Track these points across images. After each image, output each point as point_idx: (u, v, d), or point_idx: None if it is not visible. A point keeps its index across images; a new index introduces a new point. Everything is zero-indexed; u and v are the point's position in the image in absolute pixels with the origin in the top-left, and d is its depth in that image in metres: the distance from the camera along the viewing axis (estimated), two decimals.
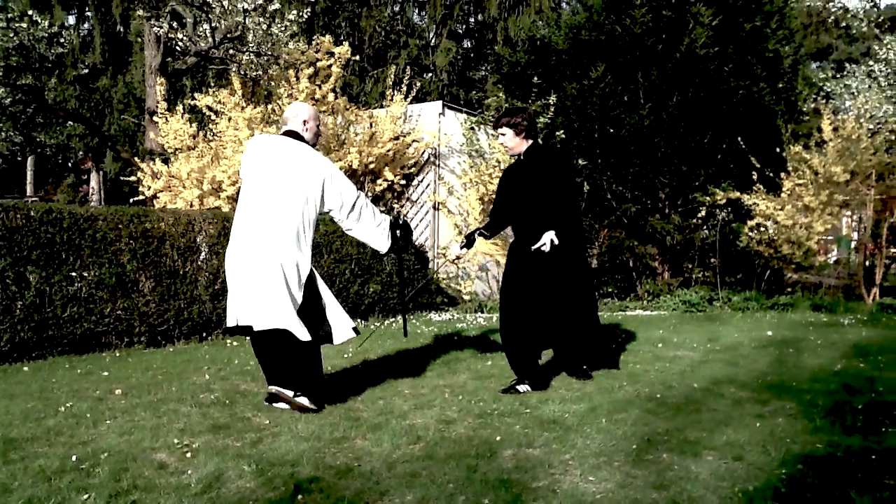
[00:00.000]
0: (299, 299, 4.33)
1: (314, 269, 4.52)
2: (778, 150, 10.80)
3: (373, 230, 4.64)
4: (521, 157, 5.13)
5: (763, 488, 2.97)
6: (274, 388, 4.38)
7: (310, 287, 4.46)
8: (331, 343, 4.69)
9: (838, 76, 14.24)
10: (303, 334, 4.24)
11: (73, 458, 3.36)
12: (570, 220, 4.95)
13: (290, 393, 4.32)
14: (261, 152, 4.47)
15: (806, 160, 10.49)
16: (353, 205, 4.53)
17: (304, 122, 4.54)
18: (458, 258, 5.33)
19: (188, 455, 3.47)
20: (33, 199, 29.78)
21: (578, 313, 5.15)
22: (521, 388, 4.86)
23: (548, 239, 4.75)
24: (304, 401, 4.29)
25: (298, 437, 3.73)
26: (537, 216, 4.95)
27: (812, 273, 11.45)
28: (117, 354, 6.80)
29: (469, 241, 5.33)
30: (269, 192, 4.33)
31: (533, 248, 4.81)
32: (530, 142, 5.09)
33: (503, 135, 5.08)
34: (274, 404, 4.40)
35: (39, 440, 3.77)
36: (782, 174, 10.73)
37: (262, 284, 4.23)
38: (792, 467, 3.22)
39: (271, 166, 4.38)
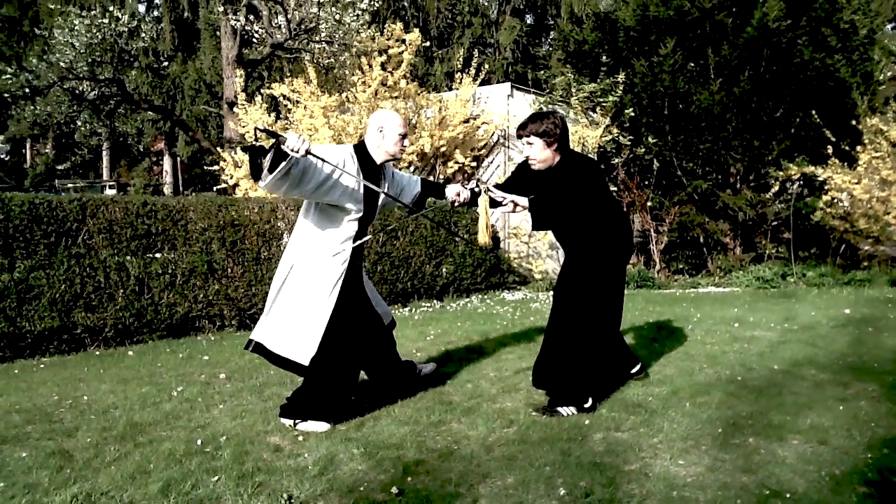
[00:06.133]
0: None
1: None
2: (854, 122, 10.62)
3: None
4: (551, 169, 4.27)
5: (850, 473, 3.09)
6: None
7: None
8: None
9: None
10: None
11: (198, 441, 3.67)
12: (597, 239, 4.27)
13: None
14: None
15: (883, 132, 10.29)
16: None
17: (380, 129, 4.07)
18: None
19: (300, 438, 3.75)
20: (110, 183, 30.90)
21: (565, 338, 4.29)
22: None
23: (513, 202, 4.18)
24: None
25: (398, 421, 3.98)
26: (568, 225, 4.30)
27: (889, 245, 11.24)
28: (212, 338, 7.19)
29: (473, 196, 4.33)
30: None
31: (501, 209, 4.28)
32: (561, 155, 4.22)
33: (530, 144, 4.18)
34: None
35: (161, 424, 4.10)
36: (858, 147, 10.55)
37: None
38: (878, 451, 3.33)
39: None
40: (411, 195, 4.44)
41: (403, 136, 4.09)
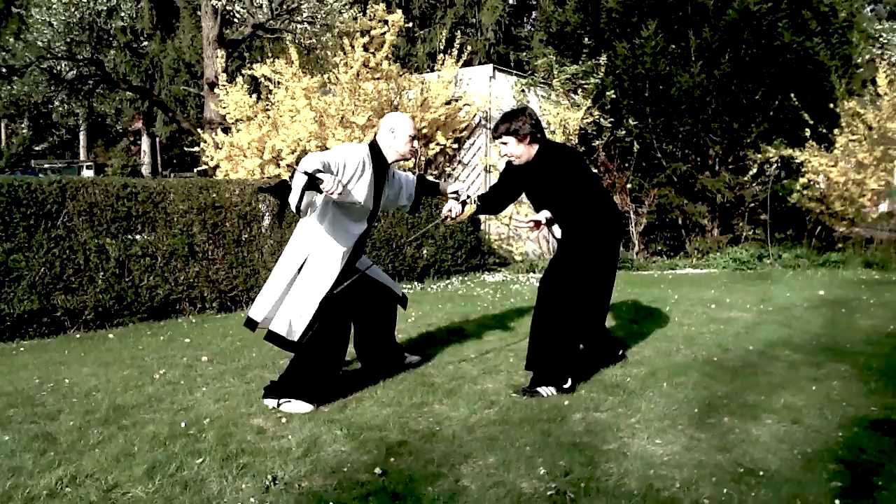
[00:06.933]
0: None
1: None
2: (831, 105, 10.73)
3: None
4: (531, 162, 4.45)
5: (822, 451, 3.18)
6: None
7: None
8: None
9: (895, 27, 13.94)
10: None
11: (182, 424, 3.70)
12: (586, 223, 4.40)
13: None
14: None
15: (860, 115, 10.41)
16: None
17: (392, 130, 4.24)
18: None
19: (283, 420, 3.79)
20: (87, 163, 30.60)
21: (551, 315, 4.36)
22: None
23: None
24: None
25: (381, 403, 4.03)
26: (557, 214, 4.38)
27: (863, 226, 11.41)
28: (192, 320, 7.19)
29: (462, 205, 4.52)
30: None
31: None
32: (537, 146, 4.40)
33: (505, 144, 4.40)
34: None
35: (143, 406, 4.12)
36: (835, 130, 10.67)
37: None
38: (849, 430, 3.43)
39: None
40: (408, 193, 4.61)
41: (413, 138, 4.30)
